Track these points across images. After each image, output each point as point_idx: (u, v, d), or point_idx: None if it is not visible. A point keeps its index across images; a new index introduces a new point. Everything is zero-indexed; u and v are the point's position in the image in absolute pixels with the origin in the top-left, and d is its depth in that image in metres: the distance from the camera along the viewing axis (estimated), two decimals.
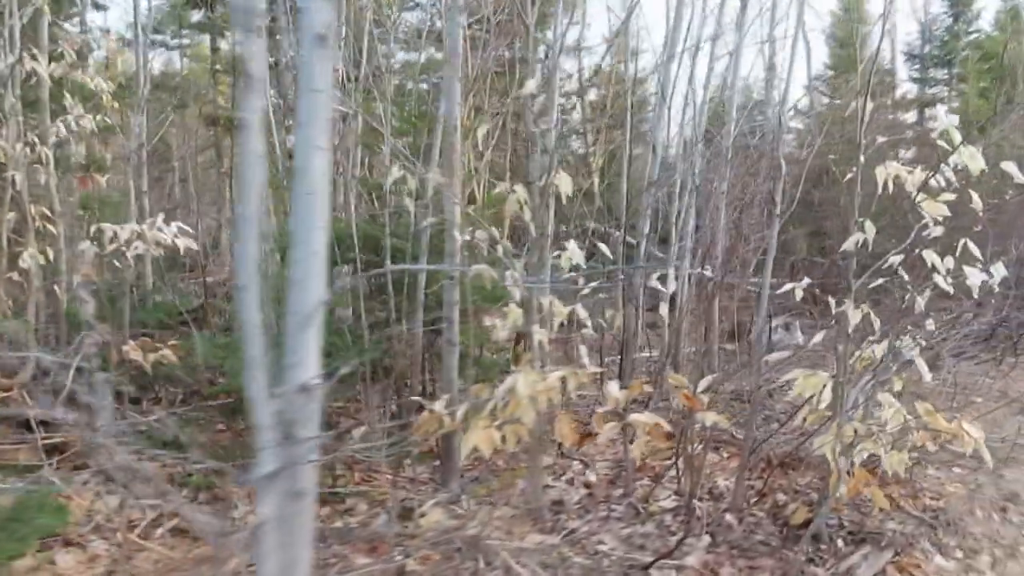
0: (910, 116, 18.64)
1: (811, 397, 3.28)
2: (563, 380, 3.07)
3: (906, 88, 19.99)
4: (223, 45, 13.45)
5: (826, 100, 17.91)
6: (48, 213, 4.77)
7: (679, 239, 6.06)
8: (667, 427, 3.18)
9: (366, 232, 5.27)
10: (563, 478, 4.26)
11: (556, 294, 3.81)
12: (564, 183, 3.30)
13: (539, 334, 3.19)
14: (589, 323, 3.47)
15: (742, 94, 9.82)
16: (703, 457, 3.86)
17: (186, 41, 16.51)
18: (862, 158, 3.15)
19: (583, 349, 2.98)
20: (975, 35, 18.33)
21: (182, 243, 4.42)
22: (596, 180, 10.37)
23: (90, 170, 4.79)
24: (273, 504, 1.71)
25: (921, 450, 3.40)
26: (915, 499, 4.06)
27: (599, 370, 3.86)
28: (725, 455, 4.60)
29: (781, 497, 3.93)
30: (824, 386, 3.22)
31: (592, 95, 15.72)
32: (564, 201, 3.44)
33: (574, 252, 3.30)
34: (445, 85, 3.94)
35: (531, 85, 3.22)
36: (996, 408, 5.53)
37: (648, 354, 7.14)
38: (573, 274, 3.57)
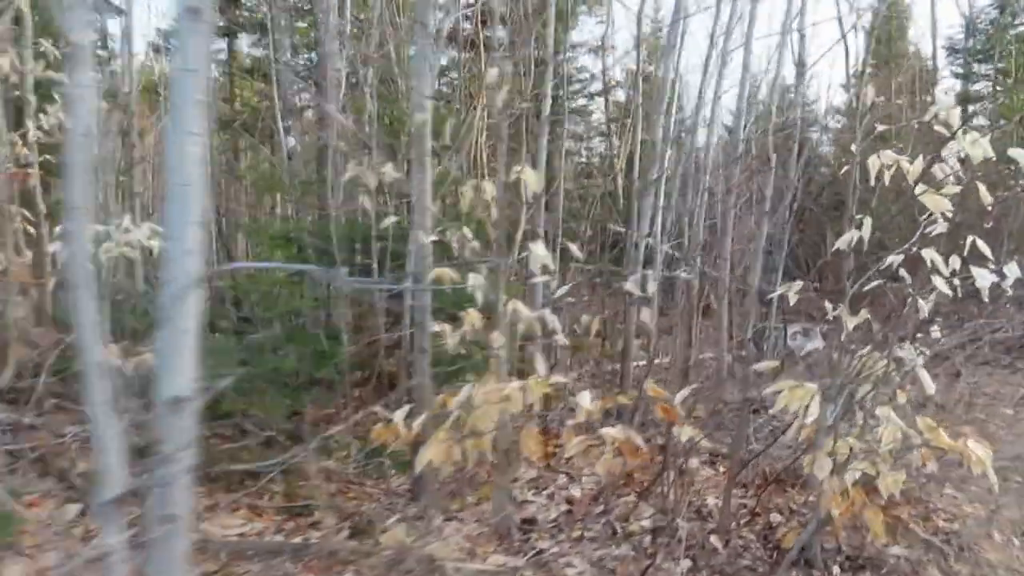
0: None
1: (798, 410, 2.98)
2: (523, 390, 2.86)
3: (948, 84, 19.20)
4: (243, 47, 13.56)
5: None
6: (28, 215, 4.70)
7: (671, 239, 5.78)
8: (640, 441, 2.94)
9: (349, 232, 5.13)
10: (545, 492, 4.01)
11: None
12: (530, 179, 3.08)
13: (499, 341, 2.97)
14: (559, 329, 3.24)
15: (777, 92, 9.48)
16: (689, 473, 3.59)
17: None
18: (854, 147, 2.86)
19: (538, 356, 2.74)
20: (1022, 28, 17.46)
21: (155, 245, 4.28)
22: (620, 181, 10.12)
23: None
24: (121, 532, 1.52)
25: (931, 467, 3.10)
26: (926, 521, 3.72)
27: (564, 380, 3.61)
28: (721, 470, 4.30)
29: (776, 517, 3.63)
30: (812, 398, 2.92)
31: (620, 95, 15.44)
32: (530, 197, 3.21)
33: (540, 254, 3.08)
34: (414, 99, 3.77)
35: (492, 74, 3.01)
36: None
37: (658, 360, 6.83)
38: (546, 277, 3.36)
